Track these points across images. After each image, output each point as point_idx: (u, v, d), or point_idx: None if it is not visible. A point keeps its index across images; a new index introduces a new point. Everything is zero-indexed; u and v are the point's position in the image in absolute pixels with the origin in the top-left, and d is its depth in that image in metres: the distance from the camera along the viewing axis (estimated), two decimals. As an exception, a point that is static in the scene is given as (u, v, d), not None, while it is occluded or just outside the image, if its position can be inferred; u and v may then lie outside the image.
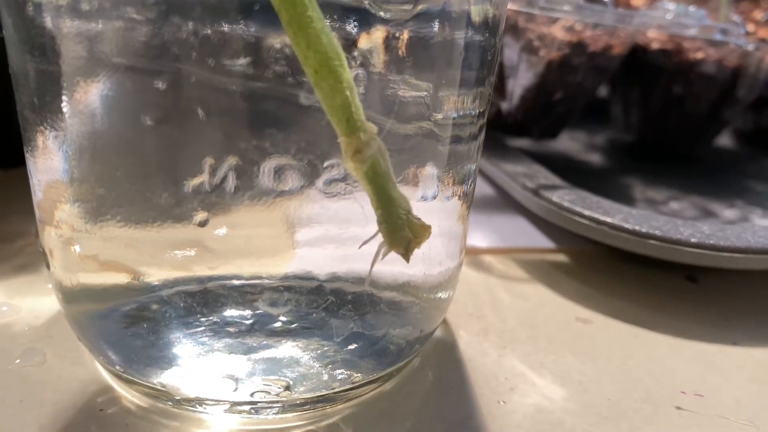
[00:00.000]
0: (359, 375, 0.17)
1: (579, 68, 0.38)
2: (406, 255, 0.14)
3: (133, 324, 0.17)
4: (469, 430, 0.18)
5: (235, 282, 0.16)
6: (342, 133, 0.12)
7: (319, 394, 0.17)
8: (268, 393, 0.16)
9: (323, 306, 0.17)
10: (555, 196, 0.30)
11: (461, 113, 0.17)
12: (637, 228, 0.27)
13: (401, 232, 0.13)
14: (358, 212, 0.15)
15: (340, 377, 0.17)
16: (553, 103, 0.39)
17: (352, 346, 0.17)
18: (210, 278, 0.16)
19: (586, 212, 0.28)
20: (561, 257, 0.30)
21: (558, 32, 0.36)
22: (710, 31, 0.39)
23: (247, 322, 0.16)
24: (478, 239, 0.31)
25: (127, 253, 0.16)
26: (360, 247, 0.15)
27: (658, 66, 0.42)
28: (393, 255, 0.17)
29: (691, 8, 0.40)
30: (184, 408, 0.17)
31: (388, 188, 0.13)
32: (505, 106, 0.40)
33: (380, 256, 0.14)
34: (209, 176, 0.14)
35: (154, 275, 0.16)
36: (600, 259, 0.30)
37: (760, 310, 0.27)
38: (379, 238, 0.14)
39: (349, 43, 0.14)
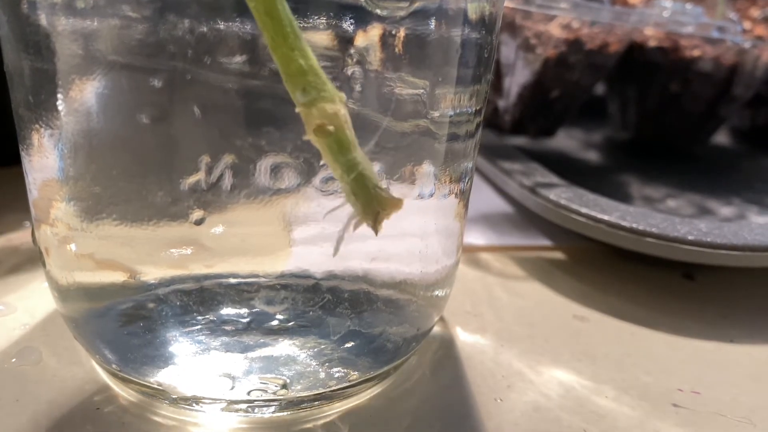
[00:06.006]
0: (356, 373, 0.17)
1: (576, 66, 0.38)
2: (375, 227, 0.13)
3: (129, 323, 0.16)
4: (467, 428, 0.18)
5: (232, 280, 0.16)
6: (298, 104, 0.12)
7: (316, 392, 0.17)
8: (265, 391, 0.16)
9: (320, 304, 0.17)
10: (552, 194, 0.30)
11: (458, 111, 0.17)
12: (634, 225, 0.27)
13: (369, 204, 0.13)
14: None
15: (337, 375, 0.17)
16: (550, 100, 0.39)
17: (349, 344, 0.17)
18: (206, 276, 0.16)
19: (583, 210, 0.28)
20: (558, 255, 0.30)
21: (555, 30, 0.36)
22: (707, 29, 0.39)
23: (244, 320, 0.16)
24: (475, 237, 0.31)
25: (124, 252, 0.16)
26: (324, 216, 0.14)
27: (654, 63, 0.42)
28: (390, 254, 0.17)
29: (688, 6, 0.40)
30: (180, 406, 0.17)
31: (353, 160, 0.13)
32: (502, 103, 0.40)
33: (351, 227, 0.14)
34: (205, 174, 0.14)
35: (151, 274, 0.16)
36: (597, 257, 0.30)
37: (758, 307, 0.27)
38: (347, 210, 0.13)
39: (346, 41, 0.14)
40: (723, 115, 0.45)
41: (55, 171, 0.15)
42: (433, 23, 0.15)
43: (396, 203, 0.13)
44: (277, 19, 0.12)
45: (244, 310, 0.16)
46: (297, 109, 0.12)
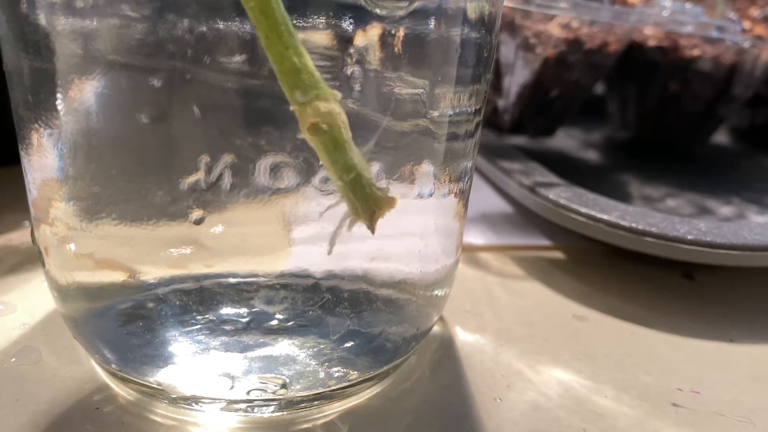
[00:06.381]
0: (356, 373, 0.17)
1: (575, 65, 0.38)
2: (371, 226, 0.13)
3: (128, 322, 0.16)
4: (466, 428, 0.18)
5: (231, 280, 0.16)
6: (293, 102, 0.12)
7: (316, 392, 0.17)
8: (265, 391, 0.16)
9: (319, 304, 0.17)
10: (551, 194, 0.30)
11: (457, 110, 0.17)
12: (633, 225, 0.27)
13: (365, 203, 0.13)
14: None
15: (336, 375, 0.17)
16: (550, 100, 0.39)
17: (348, 344, 0.17)
18: (206, 276, 0.16)
19: (583, 209, 0.28)
20: (557, 254, 0.30)
21: (554, 29, 0.36)
22: (706, 28, 0.39)
23: (244, 320, 0.16)
24: (474, 236, 0.31)
25: (123, 252, 0.16)
26: (321, 215, 0.14)
27: (654, 63, 0.42)
28: (389, 253, 0.17)
29: (688, 5, 0.40)
30: (180, 406, 0.17)
31: (349, 159, 0.13)
32: (501, 103, 0.40)
33: (346, 226, 0.14)
34: (205, 174, 0.14)
35: (150, 273, 0.16)
36: (596, 257, 0.30)
37: (757, 307, 0.27)
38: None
39: (345, 41, 0.14)
40: (722, 115, 0.44)
41: (54, 170, 0.15)
42: (432, 23, 0.15)
43: (390, 202, 0.13)
44: (271, 18, 0.12)
45: (243, 310, 0.16)
46: (291, 108, 0.12)
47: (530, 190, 0.31)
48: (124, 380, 0.17)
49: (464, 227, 0.21)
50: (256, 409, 0.17)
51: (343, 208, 0.13)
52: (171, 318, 0.16)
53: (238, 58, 0.14)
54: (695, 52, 0.41)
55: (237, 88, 0.14)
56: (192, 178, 0.14)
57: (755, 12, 0.43)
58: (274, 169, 0.15)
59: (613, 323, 0.24)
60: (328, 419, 0.17)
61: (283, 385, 0.16)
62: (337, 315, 0.17)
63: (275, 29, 0.12)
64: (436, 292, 0.19)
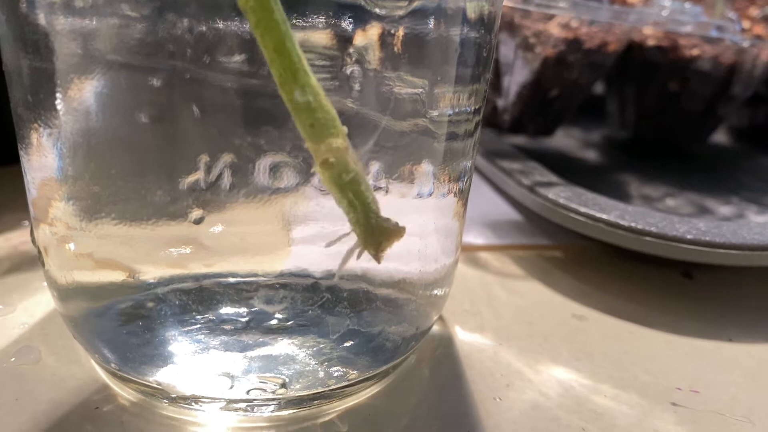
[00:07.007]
0: (355, 372, 0.17)
1: (575, 65, 0.38)
2: (377, 257, 0.14)
3: (128, 322, 0.16)
4: (466, 427, 0.18)
5: (231, 279, 0.16)
6: (307, 139, 0.12)
7: (315, 391, 0.17)
8: (264, 390, 0.16)
9: (319, 303, 0.17)
10: (551, 193, 0.30)
11: (457, 110, 0.17)
12: (633, 225, 0.27)
13: (372, 234, 0.13)
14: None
15: (336, 374, 0.17)
16: (549, 100, 0.39)
17: (348, 344, 0.17)
18: (205, 276, 0.16)
19: (582, 209, 0.28)
20: (557, 254, 0.30)
21: (554, 29, 0.36)
22: (706, 28, 0.39)
23: (243, 319, 0.16)
24: (474, 236, 0.31)
25: (123, 251, 0.16)
26: (327, 246, 0.15)
27: (653, 63, 0.42)
28: (389, 253, 0.17)
29: (687, 5, 0.40)
30: (179, 406, 0.17)
31: (359, 192, 0.13)
32: (500, 103, 0.40)
33: (354, 255, 0.14)
34: (204, 173, 0.14)
35: (150, 273, 0.16)
36: (596, 256, 0.30)
37: (756, 306, 0.27)
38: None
39: (345, 40, 0.14)
40: (722, 115, 0.45)
41: (54, 170, 0.15)
42: (432, 22, 0.15)
43: (398, 232, 0.13)
44: (285, 56, 0.12)
45: (243, 309, 0.16)
46: (306, 145, 0.12)
47: (530, 190, 0.31)
48: (123, 380, 0.17)
49: (464, 227, 0.21)
50: (255, 409, 0.17)
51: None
52: (170, 317, 0.16)
53: (237, 58, 0.14)
54: (694, 52, 0.41)
55: (237, 88, 0.14)
56: (191, 178, 0.14)
57: (754, 11, 0.43)
58: (274, 169, 0.15)
59: (612, 322, 0.24)
60: (327, 419, 0.17)
61: (283, 385, 0.16)
62: (336, 314, 0.17)
63: (290, 68, 0.12)
64: (435, 291, 0.19)
